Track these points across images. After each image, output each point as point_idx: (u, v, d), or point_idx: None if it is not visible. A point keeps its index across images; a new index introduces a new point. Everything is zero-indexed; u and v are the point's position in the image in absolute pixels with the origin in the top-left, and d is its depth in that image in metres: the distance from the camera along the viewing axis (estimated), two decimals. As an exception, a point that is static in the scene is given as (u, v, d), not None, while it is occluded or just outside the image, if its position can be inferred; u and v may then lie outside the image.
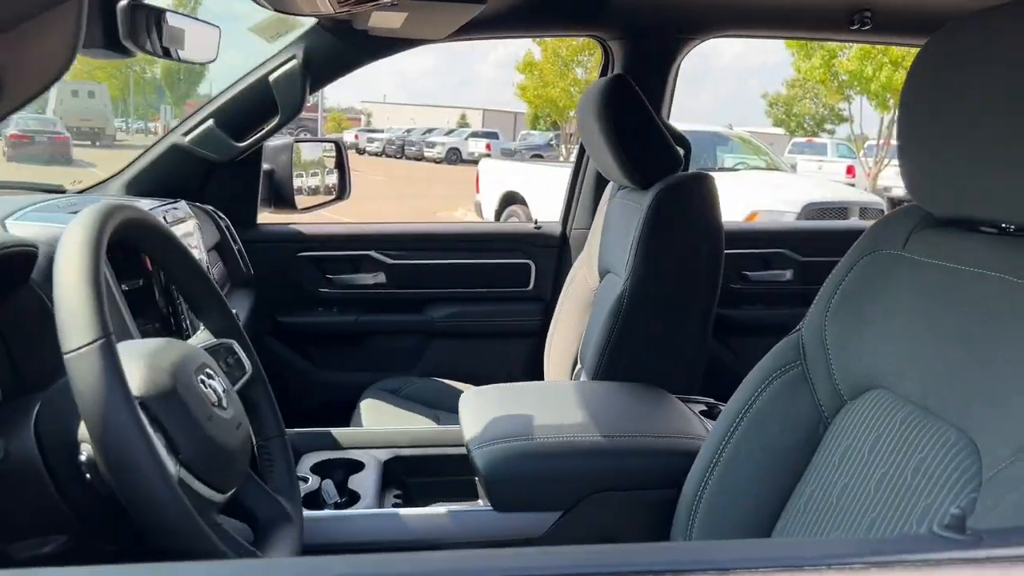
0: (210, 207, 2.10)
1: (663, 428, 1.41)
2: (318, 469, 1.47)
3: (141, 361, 0.83)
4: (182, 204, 1.83)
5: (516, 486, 1.31)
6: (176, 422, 0.82)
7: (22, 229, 1.18)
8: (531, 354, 2.35)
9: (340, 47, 2.04)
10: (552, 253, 2.40)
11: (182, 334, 1.44)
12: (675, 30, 2.18)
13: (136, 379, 0.80)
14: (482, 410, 1.45)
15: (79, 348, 0.71)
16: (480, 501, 1.36)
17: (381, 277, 2.35)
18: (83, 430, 0.77)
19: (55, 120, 21.01)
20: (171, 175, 2.08)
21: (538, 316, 2.37)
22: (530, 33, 2.29)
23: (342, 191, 2.47)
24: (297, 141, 2.34)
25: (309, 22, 2.00)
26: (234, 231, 2.13)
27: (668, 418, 1.45)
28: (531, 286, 2.40)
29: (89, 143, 24.81)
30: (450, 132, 32.65)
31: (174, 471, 0.79)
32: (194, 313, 1.10)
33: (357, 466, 1.49)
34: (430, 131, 32.88)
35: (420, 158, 29.57)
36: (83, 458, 0.78)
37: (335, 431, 1.58)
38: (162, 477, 0.74)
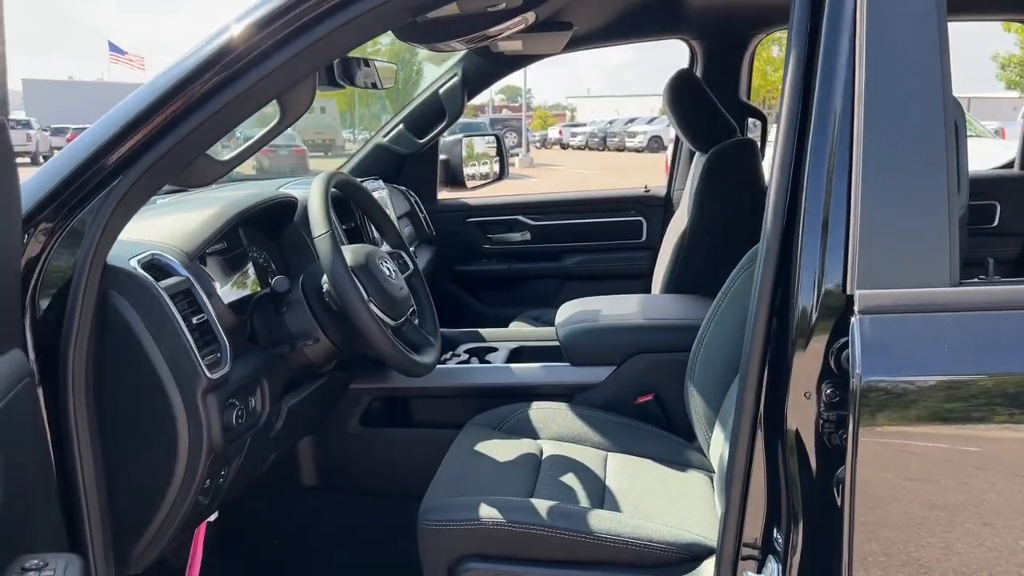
0: (403, 187, 2.95)
1: (690, 314, 2.04)
2: (469, 351, 2.25)
3: (351, 252, 1.63)
4: (380, 182, 2.67)
5: (583, 349, 2.00)
6: (367, 279, 1.61)
7: (287, 191, 2.04)
8: (643, 291, 3.00)
9: (487, 65, 2.80)
10: (659, 211, 3.04)
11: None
12: (744, 27, 2.74)
13: (349, 258, 1.60)
14: (570, 309, 2.16)
15: (319, 235, 1.51)
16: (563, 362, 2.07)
17: (527, 235, 3.11)
18: (324, 278, 1.57)
19: (294, 135, 23.83)
20: (375, 165, 2.95)
21: (648, 261, 3.01)
22: (628, 40, 2.93)
23: (501, 174, 3.25)
24: (466, 136, 3.15)
25: (465, 51, 2.78)
26: (420, 204, 2.97)
27: (696, 308, 2.07)
28: (644, 238, 3.05)
29: (322, 154, 27.76)
30: (651, 120, 32.89)
31: (366, 300, 1.57)
32: (379, 234, 1.90)
33: (494, 350, 2.24)
34: (632, 121, 33.28)
35: (622, 149, 30.13)
36: (325, 290, 1.58)
37: (483, 331, 2.35)
38: (363, 303, 1.52)
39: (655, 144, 28.04)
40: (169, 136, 1.24)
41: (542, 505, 1.46)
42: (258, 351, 1.58)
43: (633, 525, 1.44)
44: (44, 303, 1.22)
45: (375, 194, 2.30)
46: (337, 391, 1.96)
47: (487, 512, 1.43)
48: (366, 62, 2.01)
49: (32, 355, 1.21)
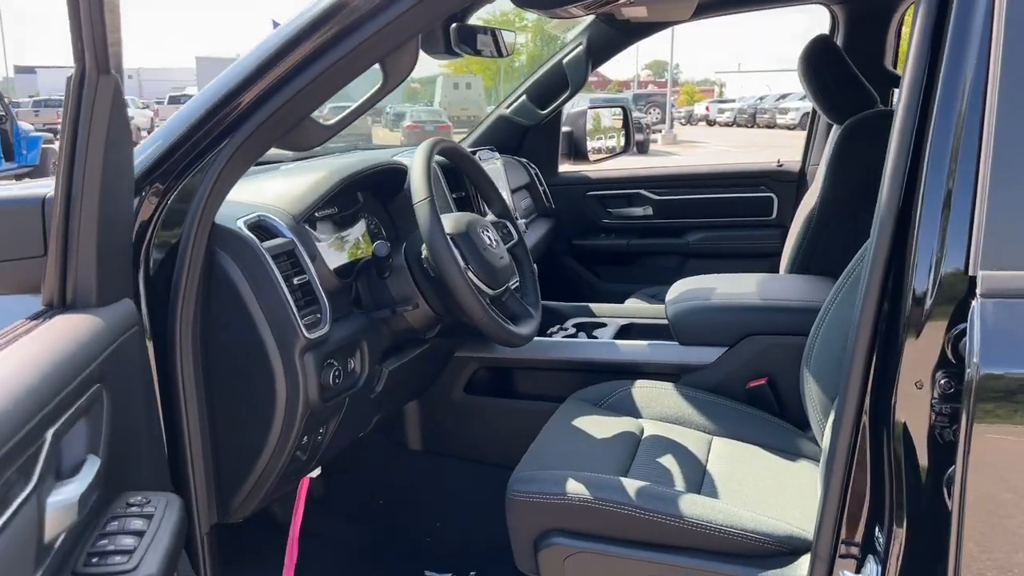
0: (524, 159, 2.93)
1: (810, 296, 1.91)
2: (577, 325, 2.21)
3: (452, 219, 1.63)
4: (495, 153, 2.66)
5: (693, 328, 1.92)
6: (466, 247, 1.60)
7: (399, 159, 2.06)
8: (770, 271, 2.85)
9: (613, 34, 2.73)
10: (791, 187, 2.87)
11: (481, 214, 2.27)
12: (891, -9, 2.53)
13: (449, 225, 1.60)
14: (682, 287, 2.08)
15: (418, 201, 1.52)
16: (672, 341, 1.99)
17: (649, 210, 3.01)
18: (424, 245, 1.57)
19: (440, 111, 24.39)
20: (497, 137, 2.94)
21: (778, 240, 2.86)
22: (765, 6, 2.77)
23: (626, 146, 3.18)
24: (591, 107, 3.09)
25: (590, 18, 2.72)
26: (540, 176, 2.94)
27: (818, 290, 1.94)
28: (774, 215, 2.90)
29: (468, 130, 28.27)
30: (804, 96, 31.27)
31: (463, 268, 1.57)
32: (485, 204, 1.89)
33: (603, 325, 2.20)
34: (784, 97, 31.88)
35: (772, 125, 28.92)
36: (423, 256, 1.59)
37: (594, 306, 2.30)
38: (459, 270, 1.52)
39: (807, 121, 26.74)
40: (276, 97, 1.27)
41: (633, 485, 1.41)
42: (361, 315, 1.61)
43: (728, 513, 1.37)
44: (156, 261, 1.29)
45: (488, 164, 2.29)
46: (441, 358, 1.98)
47: (575, 488, 1.40)
48: (485, 30, 1.99)
49: (144, 310, 1.27)
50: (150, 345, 1.29)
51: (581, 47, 2.75)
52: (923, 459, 1.00)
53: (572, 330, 2.18)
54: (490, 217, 1.89)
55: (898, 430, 1.00)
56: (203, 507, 1.38)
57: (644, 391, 1.82)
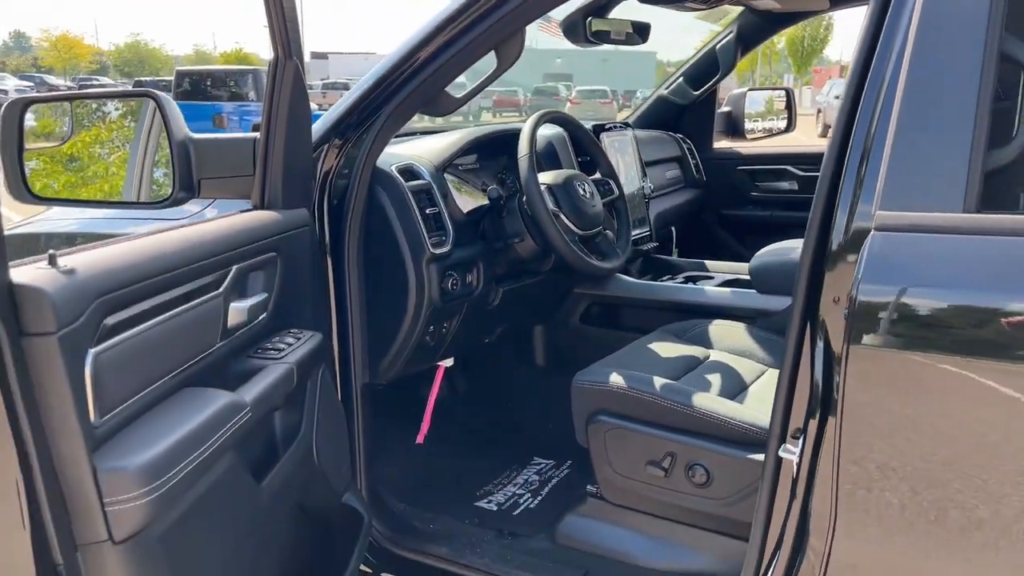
0: (679, 135, 3.29)
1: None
2: (688, 277, 2.59)
3: (554, 174, 2.11)
4: (627, 128, 3.04)
5: (768, 279, 2.24)
6: (561, 194, 2.07)
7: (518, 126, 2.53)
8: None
9: (761, 23, 3.01)
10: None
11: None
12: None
13: (548, 177, 2.08)
14: (772, 246, 2.39)
15: (521, 156, 2.00)
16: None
17: (794, 184, 3.26)
18: None
19: (606, 90, 26.18)
20: (657, 114, 3.33)
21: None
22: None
23: (788, 126, 3.43)
24: (751, 90, 3.37)
25: (739, 9, 3.02)
26: (693, 150, 3.29)
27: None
28: None
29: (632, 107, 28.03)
30: None
31: (552, 210, 2.03)
32: (594, 164, 2.34)
33: (711, 279, 2.56)
34: None
35: None
36: (523, 199, 2.07)
37: (709, 263, 2.67)
38: (545, 211, 1.99)
39: None
40: (420, 75, 1.81)
41: (661, 381, 1.81)
42: (482, 244, 2.13)
43: (731, 407, 1.73)
44: (337, 190, 1.88)
45: (618, 136, 2.71)
46: (559, 291, 2.45)
47: (617, 379, 1.83)
48: (621, 22, 2.41)
49: (326, 226, 1.87)
50: (329, 261, 1.88)
51: (732, 35, 3.06)
52: (836, 362, 1.23)
53: (682, 280, 2.56)
54: (597, 175, 2.33)
55: (823, 339, 1.29)
56: (359, 367, 1.97)
57: (719, 328, 2.18)
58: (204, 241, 1.28)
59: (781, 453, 1.35)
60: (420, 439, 2.23)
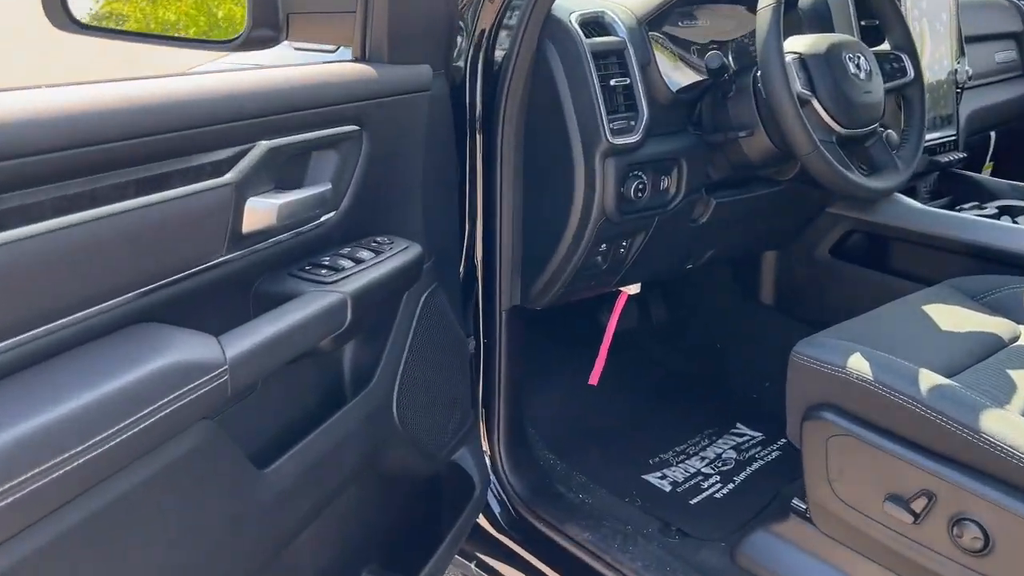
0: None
1: None
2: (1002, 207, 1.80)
3: (813, 39, 1.41)
4: None
5: None
6: (818, 70, 1.38)
7: None
8: None
9: None
10: None
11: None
12: None
13: (801, 44, 1.39)
14: None
15: (763, 7, 1.34)
16: None
17: None
18: None
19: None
20: None
21: None
22: None
23: None
24: None
25: None
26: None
27: None
28: None
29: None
30: None
31: (798, 92, 1.36)
32: (883, 31, 1.59)
33: None
34: None
35: None
36: (758, 74, 1.41)
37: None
38: (787, 91, 1.33)
39: None
40: None
41: (933, 381, 1.15)
42: (692, 135, 1.52)
43: (1048, 446, 1.05)
44: (495, 63, 1.37)
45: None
46: (804, 208, 1.78)
47: (859, 364, 1.20)
48: None
49: (479, 99, 1.38)
50: (479, 141, 1.40)
51: None
52: None
53: (992, 211, 1.77)
54: (883, 47, 1.58)
55: None
56: (506, 285, 1.50)
57: None
58: (196, 99, 0.83)
59: None
60: (593, 379, 1.74)
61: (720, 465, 1.73)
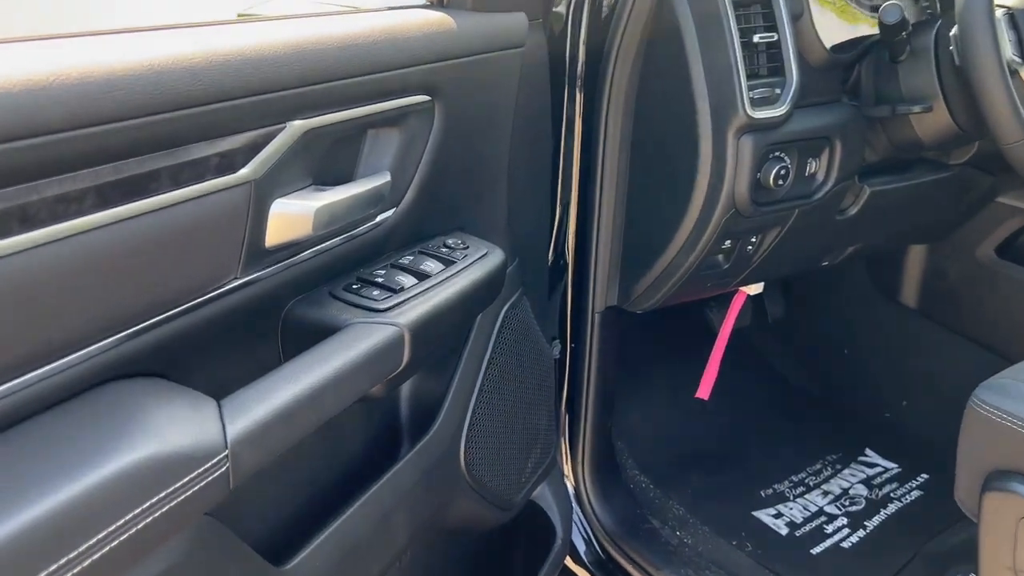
0: None
1: None
2: None
3: None
4: None
5: None
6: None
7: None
8: None
9: None
10: None
11: None
12: None
13: None
14: None
15: None
16: None
17: None
18: None
19: None
20: None
21: None
22: None
23: None
24: None
25: None
26: None
27: None
28: None
29: None
30: None
31: (1013, 59, 1.03)
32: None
33: None
34: None
35: None
36: (952, 35, 1.09)
37: None
38: (996, 57, 1.00)
39: None
40: None
41: None
42: (849, 107, 1.21)
43: None
44: (603, 7, 1.09)
45: None
46: (970, 197, 1.45)
47: None
48: None
49: (581, 54, 1.11)
50: (580, 99, 1.14)
51: None
52: None
53: None
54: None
55: None
56: (601, 283, 1.25)
57: None
58: (192, 62, 0.58)
59: None
60: (703, 392, 1.47)
61: (847, 504, 1.44)
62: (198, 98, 0.58)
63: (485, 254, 0.87)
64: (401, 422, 0.89)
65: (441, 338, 0.80)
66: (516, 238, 1.03)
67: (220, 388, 0.62)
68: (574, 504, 1.33)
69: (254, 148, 0.63)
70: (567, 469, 1.35)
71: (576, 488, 1.35)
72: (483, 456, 0.96)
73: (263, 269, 0.67)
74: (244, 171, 0.63)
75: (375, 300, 0.75)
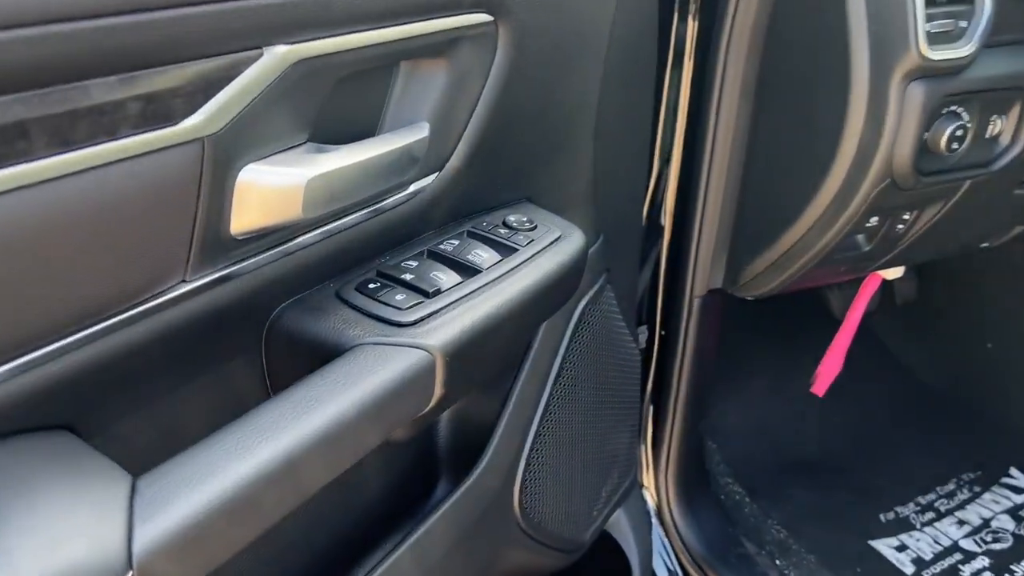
0: None
1: None
2: None
3: None
4: None
5: None
6: None
7: None
8: None
9: None
10: None
11: None
12: None
13: None
14: None
15: None
16: None
17: None
18: None
19: None
20: None
21: None
22: None
23: None
24: None
25: None
26: None
27: None
28: None
29: None
30: None
31: None
32: None
33: None
34: None
35: None
36: None
37: None
38: None
39: None
40: None
41: None
42: None
43: None
44: None
45: None
46: None
47: None
48: None
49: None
50: (693, 20, 0.89)
51: None
52: None
53: None
54: None
55: None
56: (704, 263, 1.01)
57: None
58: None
59: None
60: (819, 388, 1.22)
61: (989, 539, 1.18)
62: (115, 3, 0.36)
63: (559, 237, 0.64)
64: (439, 456, 0.68)
65: (490, 360, 0.58)
66: (602, 209, 0.79)
67: (168, 436, 0.41)
68: (654, 522, 1.12)
69: (209, 86, 0.41)
70: (647, 479, 1.14)
71: (658, 503, 1.13)
72: (544, 495, 0.74)
73: (226, 267, 0.46)
74: (192, 121, 0.41)
75: (398, 308, 0.53)
